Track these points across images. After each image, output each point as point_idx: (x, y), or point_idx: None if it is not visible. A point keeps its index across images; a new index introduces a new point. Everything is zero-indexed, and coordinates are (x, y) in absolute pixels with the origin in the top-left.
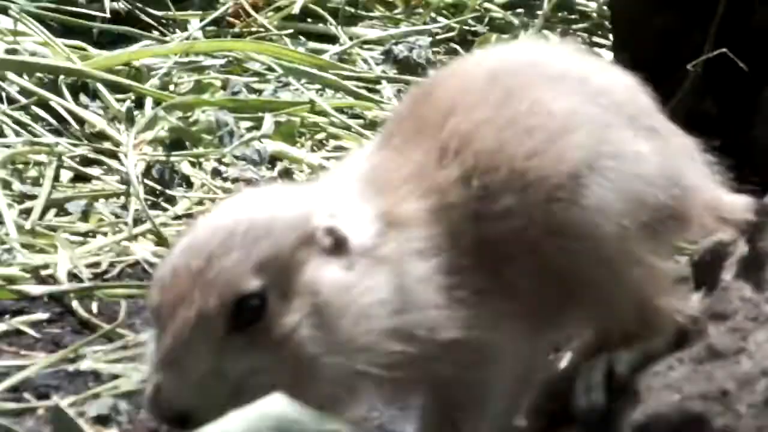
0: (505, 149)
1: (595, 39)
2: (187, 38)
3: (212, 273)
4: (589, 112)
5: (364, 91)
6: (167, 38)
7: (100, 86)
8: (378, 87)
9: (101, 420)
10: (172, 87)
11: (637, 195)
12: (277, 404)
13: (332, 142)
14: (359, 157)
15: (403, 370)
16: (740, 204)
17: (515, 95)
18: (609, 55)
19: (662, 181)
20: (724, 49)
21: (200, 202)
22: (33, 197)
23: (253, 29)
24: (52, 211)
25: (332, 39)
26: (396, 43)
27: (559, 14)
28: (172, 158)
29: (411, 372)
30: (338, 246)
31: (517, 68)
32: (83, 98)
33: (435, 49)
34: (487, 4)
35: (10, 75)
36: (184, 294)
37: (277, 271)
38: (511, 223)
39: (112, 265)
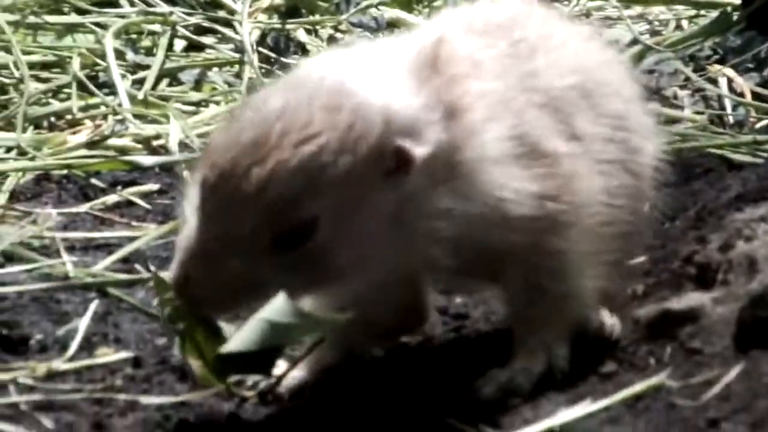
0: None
1: None
2: None
3: (273, 190)
4: None
5: None
6: None
7: None
8: None
9: None
10: None
11: None
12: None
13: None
14: (415, 40)
15: (476, 259)
16: None
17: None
18: None
19: None
20: None
21: None
22: (146, 67)
23: None
24: (165, 81)
25: None
26: None
27: None
28: (288, 26)
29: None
30: (401, 167)
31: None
32: None
33: None
34: None
35: None
36: (239, 198)
37: (336, 193)
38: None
39: None
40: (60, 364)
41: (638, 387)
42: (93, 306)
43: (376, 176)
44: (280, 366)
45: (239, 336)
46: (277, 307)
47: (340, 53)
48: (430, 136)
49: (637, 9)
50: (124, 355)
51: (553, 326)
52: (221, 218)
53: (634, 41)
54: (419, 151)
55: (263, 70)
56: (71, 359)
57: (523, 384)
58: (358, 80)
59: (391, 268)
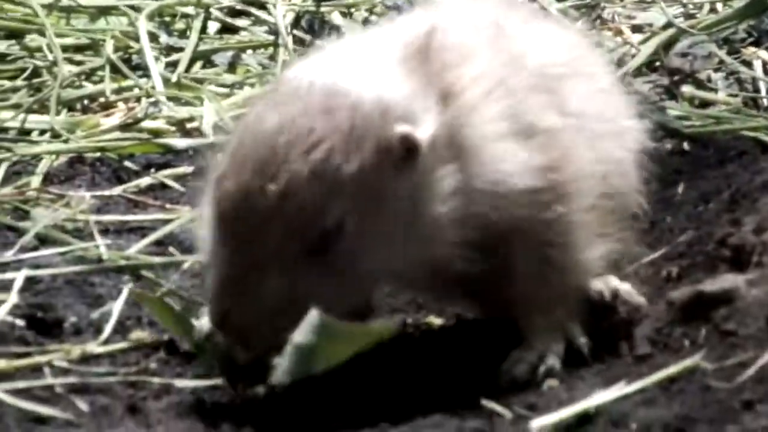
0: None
1: None
2: None
3: (293, 202)
4: None
5: None
6: None
7: None
8: None
9: None
10: None
11: None
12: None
13: None
14: (401, 30)
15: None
16: None
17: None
18: None
19: None
20: None
21: None
22: (180, 49)
23: None
24: (199, 63)
25: None
26: None
27: None
28: (323, 8)
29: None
30: (409, 153)
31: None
32: None
33: None
34: None
35: None
36: (260, 218)
37: (354, 192)
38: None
39: None
40: (94, 347)
41: (673, 369)
42: (127, 289)
43: (387, 167)
44: None
45: (284, 366)
46: (314, 327)
47: (322, 55)
48: (428, 120)
49: None
50: (158, 338)
51: (563, 303)
52: (246, 243)
53: (668, 24)
54: (422, 134)
55: (298, 53)
56: (105, 342)
57: (555, 365)
58: (347, 78)
59: (414, 260)
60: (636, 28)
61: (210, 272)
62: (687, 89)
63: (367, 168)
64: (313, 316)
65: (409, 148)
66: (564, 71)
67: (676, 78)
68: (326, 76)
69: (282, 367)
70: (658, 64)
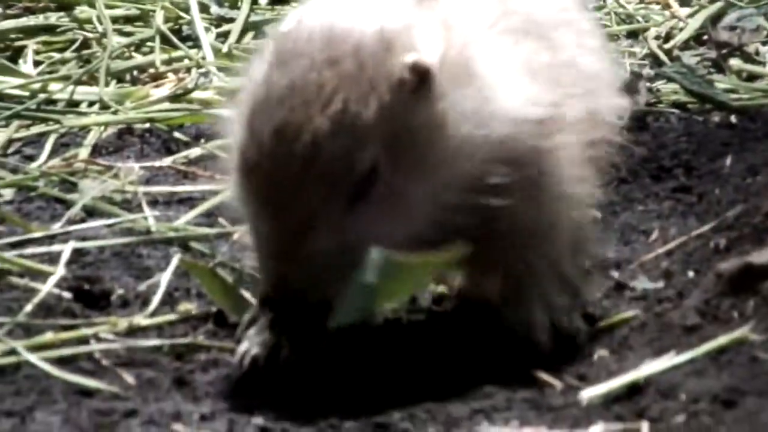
0: None
1: None
2: None
3: (321, 161)
4: None
5: None
6: None
7: None
8: None
9: None
10: None
11: None
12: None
13: None
14: None
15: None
16: None
17: None
18: None
19: None
20: None
21: None
22: (230, 20)
23: None
24: (250, 34)
25: None
26: None
27: None
28: None
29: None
30: (422, 80)
31: None
32: None
33: None
34: None
35: None
36: (292, 183)
37: (380, 135)
38: None
39: None
40: (141, 320)
41: (722, 340)
42: (175, 261)
43: (405, 99)
44: None
45: (344, 309)
46: (373, 265)
47: (311, 5)
48: (434, 46)
49: None
50: (206, 310)
51: (556, 239)
52: (285, 209)
53: None
54: (430, 58)
55: None
56: (153, 314)
57: (580, 325)
58: (345, 22)
59: (455, 190)
60: (684, 2)
61: (254, 244)
62: (735, 62)
63: (386, 107)
64: (372, 253)
65: (420, 74)
66: (553, 22)
67: (723, 51)
68: (324, 25)
69: (342, 309)
70: (705, 37)
